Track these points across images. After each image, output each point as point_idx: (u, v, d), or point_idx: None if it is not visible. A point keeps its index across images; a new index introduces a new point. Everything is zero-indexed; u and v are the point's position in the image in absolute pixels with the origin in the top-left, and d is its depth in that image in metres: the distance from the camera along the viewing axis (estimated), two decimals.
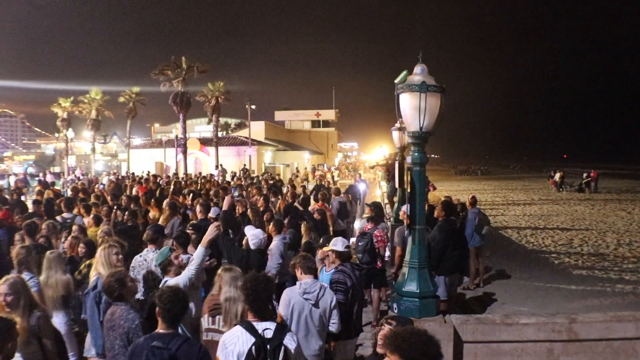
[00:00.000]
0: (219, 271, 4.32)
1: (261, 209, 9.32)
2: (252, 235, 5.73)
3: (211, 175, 24.98)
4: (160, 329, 3.32)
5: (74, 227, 7.15)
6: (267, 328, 3.24)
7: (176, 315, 3.33)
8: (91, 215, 8.15)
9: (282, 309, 4.31)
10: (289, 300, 4.28)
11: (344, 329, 4.69)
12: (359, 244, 6.80)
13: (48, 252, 5.35)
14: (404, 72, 5.19)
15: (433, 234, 7.12)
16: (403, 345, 2.34)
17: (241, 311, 3.87)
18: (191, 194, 11.51)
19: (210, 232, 4.64)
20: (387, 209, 13.56)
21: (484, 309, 8.49)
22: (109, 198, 12.43)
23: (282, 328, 3.36)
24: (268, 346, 3.17)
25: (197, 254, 4.55)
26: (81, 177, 23.96)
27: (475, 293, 9.46)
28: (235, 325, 3.42)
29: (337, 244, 5.27)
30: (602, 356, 4.75)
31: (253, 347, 3.13)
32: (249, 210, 8.94)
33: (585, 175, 35.98)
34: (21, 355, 3.82)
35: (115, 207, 9.17)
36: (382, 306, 7.61)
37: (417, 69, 5.03)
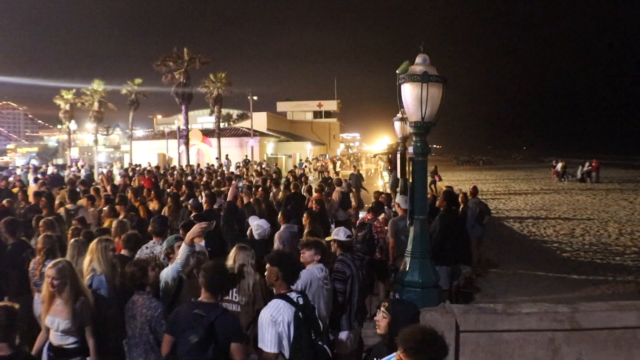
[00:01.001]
0: (235, 249, 4.51)
1: (260, 199, 9.35)
2: (257, 225, 5.74)
3: (213, 165, 24.92)
4: (202, 298, 3.58)
5: (74, 221, 7.14)
6: (298, 296, 3.66)
7: (219, 285, 3.62)
8: (107, 207, 8.09)
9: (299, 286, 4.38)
10: (310, 282, 4.40)
11: (344, 320, 4.76)
12: (358, 234, 6.82)
13: (73, 240, 5.41)
14: (406, 62, 5.18)
15: (434, 224, 7.12)
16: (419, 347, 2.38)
17: (252, 283, 4.27)
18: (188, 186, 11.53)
19: (194, 231, 4.52)
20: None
21: (486, 298, 8.52)
22: (108, 188, 12.44)
23: (304, 294, 3.81)
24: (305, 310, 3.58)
25: (180, 252, 4.49)
26: (82, 169, 23.80)
27: (477, 282, 9.49)
28: (273, 299, 3.67)
29: (339, 233, 5.28)
30: (603, 345, 4.76)
31: (299, 314, 3.53)
32: (252, 200, 8.97)
33: (587, 164, 35.66)
34: (61, 335, 4.04)
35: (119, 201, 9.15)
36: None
37: (419, 59, 5.01)
